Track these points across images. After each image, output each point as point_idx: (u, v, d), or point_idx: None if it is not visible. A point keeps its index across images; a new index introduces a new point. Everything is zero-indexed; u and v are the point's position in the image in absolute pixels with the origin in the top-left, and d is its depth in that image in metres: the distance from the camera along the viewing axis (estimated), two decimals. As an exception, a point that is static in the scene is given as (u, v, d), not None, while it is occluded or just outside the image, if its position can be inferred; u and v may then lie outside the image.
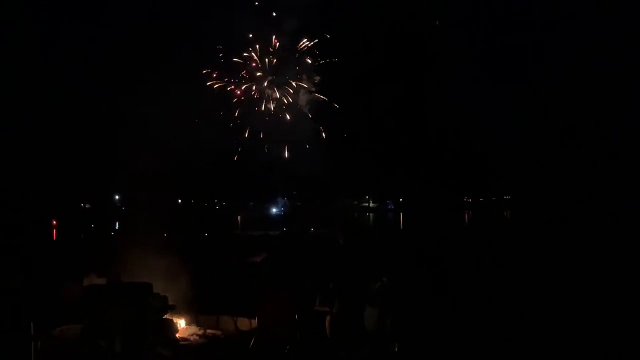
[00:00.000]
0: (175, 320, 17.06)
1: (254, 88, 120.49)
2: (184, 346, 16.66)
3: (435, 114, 36.45)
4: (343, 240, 37.14)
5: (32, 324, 13.53)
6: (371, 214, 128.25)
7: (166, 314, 16.28)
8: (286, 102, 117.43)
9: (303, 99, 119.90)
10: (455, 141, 37.29)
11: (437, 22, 37.04)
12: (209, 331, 17.89)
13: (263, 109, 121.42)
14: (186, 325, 18.11)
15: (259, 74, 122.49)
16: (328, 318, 14.96)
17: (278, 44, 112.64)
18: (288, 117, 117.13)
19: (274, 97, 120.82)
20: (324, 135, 44.10)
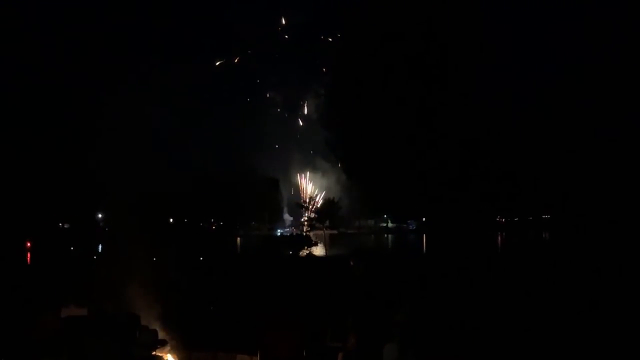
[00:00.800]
0: (165, 356, 17.00)
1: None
2: (175, 387, 16.60)
3: (463, 124, 36.42)
4: (357, 267, 37.09)
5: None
6: (390, 235, 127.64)
7: (155, 349, 16.22)
8: (291, 107, 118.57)
9: (310, 103, 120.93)
10: (485, 152, 37.11)
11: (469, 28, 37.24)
12: (203, 370, 17.79)
13: (268, 116, 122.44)
14: (178, 362, 18.04)
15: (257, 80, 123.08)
16: (340, 354, 14.84)
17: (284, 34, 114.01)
18: (296, 124, 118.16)
19: (279, 101, 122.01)
20: (334, 143, 43.97)
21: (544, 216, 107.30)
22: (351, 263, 40.28)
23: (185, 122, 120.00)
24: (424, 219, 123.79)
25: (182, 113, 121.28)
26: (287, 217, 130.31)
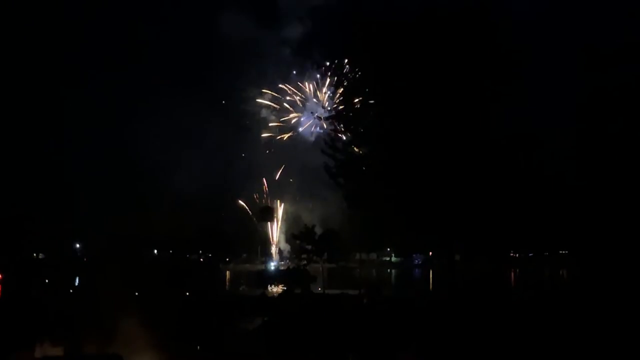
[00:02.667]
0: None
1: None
2: None
3: (476, 153, 36.35)
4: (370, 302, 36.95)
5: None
6: (393, 270, 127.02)
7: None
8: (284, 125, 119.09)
9: (307, 122, 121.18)
10: (500, 183, 37.05)
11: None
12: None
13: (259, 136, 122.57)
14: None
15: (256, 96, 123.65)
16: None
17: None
18: (295, 148, 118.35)
19: (270, 120, 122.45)
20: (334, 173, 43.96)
21: (561, 251, 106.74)
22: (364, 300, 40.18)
23: (173, 147, 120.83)
24: (430, 253, 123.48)
25: (171, 136, 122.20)
26: (283, 248, 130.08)
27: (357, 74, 41.18)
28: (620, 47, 35.16)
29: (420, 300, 49.58)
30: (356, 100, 40.79)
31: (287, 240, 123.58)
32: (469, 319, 33.28)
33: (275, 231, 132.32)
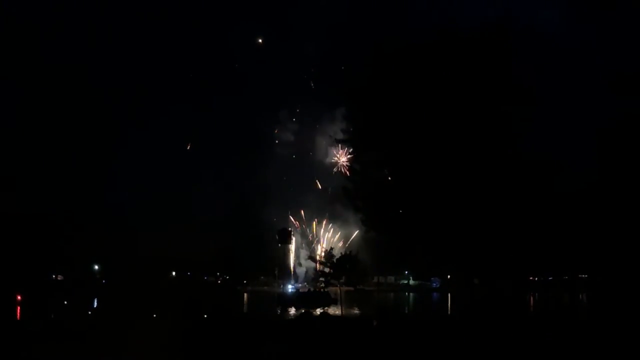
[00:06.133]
0: None
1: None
2: None
3: (495, 175, 36.18)
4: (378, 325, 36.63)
5: None
6: (411, 294, 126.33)
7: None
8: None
9: (321, 143, 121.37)
10: (518, 206, 36.82)
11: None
12: None
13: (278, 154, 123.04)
14: None
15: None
16: None
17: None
18: (312, 171, 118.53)
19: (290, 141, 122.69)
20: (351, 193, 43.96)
21: (580, 275, 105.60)
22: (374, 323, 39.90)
23: (190, 169, 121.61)
24: (448, 276, 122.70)
25: (188, 159, 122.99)
26: (301, 271, 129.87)
27: (374, 95, 41.08)
28: None
29: (432, 322, 49.07)
30: (372, 123, 40.75)
31: (306, 263, 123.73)
32: (483, 340, 32.91)
33: (293, 253, 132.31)
